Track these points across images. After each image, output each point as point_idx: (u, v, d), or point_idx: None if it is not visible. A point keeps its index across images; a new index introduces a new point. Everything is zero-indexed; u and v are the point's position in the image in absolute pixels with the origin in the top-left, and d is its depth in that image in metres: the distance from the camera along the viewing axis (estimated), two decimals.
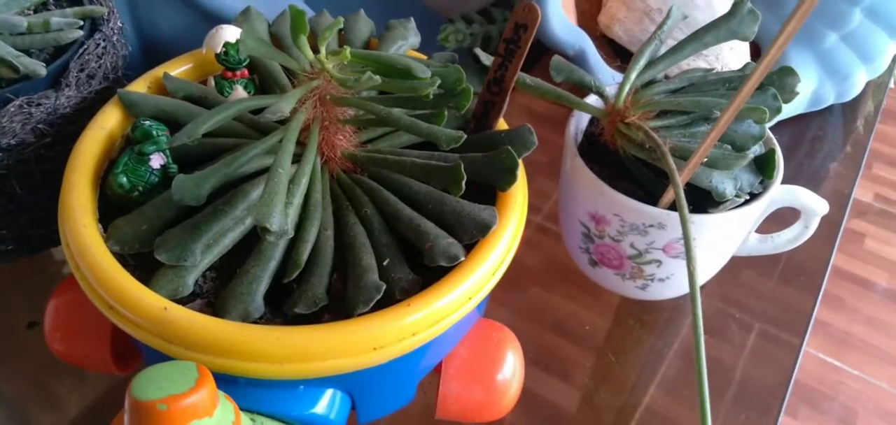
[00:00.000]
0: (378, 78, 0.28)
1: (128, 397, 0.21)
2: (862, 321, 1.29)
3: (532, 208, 0.50)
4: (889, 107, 1.74)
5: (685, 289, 0.42)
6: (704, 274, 0.41)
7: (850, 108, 0.61)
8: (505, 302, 0.44)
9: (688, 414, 0.39)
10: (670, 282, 0.40)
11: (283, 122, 0.32)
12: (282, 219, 0.27)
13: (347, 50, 0.30)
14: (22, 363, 0.41)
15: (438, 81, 0.30)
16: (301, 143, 0.32)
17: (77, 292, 0.35)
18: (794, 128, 0.59)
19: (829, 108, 0.60)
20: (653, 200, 0.36)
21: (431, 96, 0.30)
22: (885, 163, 1.62)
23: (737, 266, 0.44)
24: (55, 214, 0.31)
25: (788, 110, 0.55)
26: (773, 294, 0.47)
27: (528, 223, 0.49)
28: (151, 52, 0.46)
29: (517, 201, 0.33)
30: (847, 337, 1.26)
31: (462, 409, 0.35)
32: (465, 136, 0.30)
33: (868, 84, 0.61)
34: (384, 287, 0.29)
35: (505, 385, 0.35)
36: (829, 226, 0.51)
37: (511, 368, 0.35)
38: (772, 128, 0.57)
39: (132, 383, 0.22)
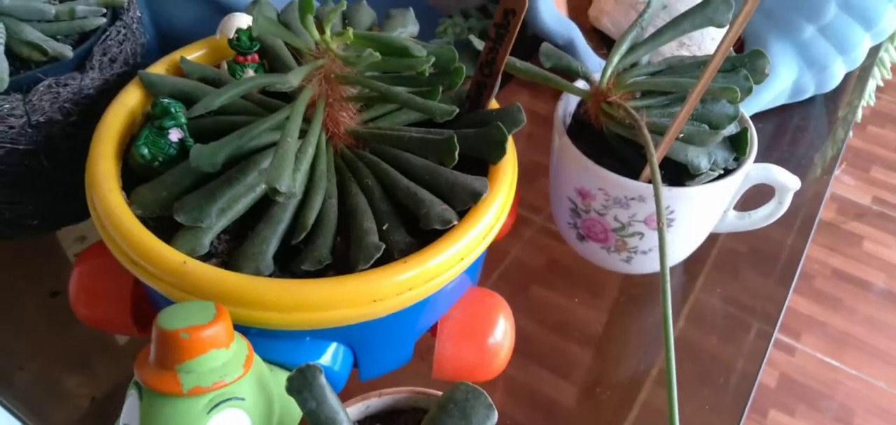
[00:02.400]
0: (378, 55, 0.31)
1: (155, 328, 0.24)
2: (860, 321, 1.30)
3: (533, 209, 0.52)
4: (885, 110, 1.76)
5: (668, 263, 0.45)
6: (685, 248, 0.44)
7: (831, 100, 0.64)
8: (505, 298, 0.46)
9: (684, 407, 0.40)
10: (653, 255, 0.43)
11: (290, 101, 0.34)
12: (290, 182, 0.30)
13: (350, 31, 0.33)
14: (46, 330, 0.43)
15: (434, 59, 0.32)
16: (307, 120, 0.35)
17: (99, 260, 0.38)
18: (778, 119, 0.61)
19: (812, 100, 0.63)
20: (635, 175, 0.39)
21: (427, 73, 0.33)
22: (882, 167, 1.63)
23: (718, 256, 0.47)
24: (78, 190, 0.34)
25: (771, 101, 0.58)
26: (755, 285, 0.48)
27: (530, 223, 0.51)
28: (167, 43, 0.49)
29: (507, 173, 0.36)
30: (845, 337, 1.28)
31: (457, 368, 0.37)
32: (458, 110, 0.33)
33: (848, 76, 0.64)
34: (383, 247, 0.32)
35: (496, 346, 0.38)
36: (808, 216, 0.53)
37: (502, 331, 0.38)
38: (757, 118, 0.60)
39: (158, 316, 0.25)
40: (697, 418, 0.40)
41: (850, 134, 0.97)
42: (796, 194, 0.42)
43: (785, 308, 0.48)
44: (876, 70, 0.89)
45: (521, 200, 0.52)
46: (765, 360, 0.44)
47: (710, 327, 0.45)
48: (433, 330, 0.37)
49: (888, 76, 0.95)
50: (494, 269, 0.48)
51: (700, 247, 0.48)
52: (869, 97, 0.95)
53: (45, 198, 0.41)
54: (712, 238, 0.50)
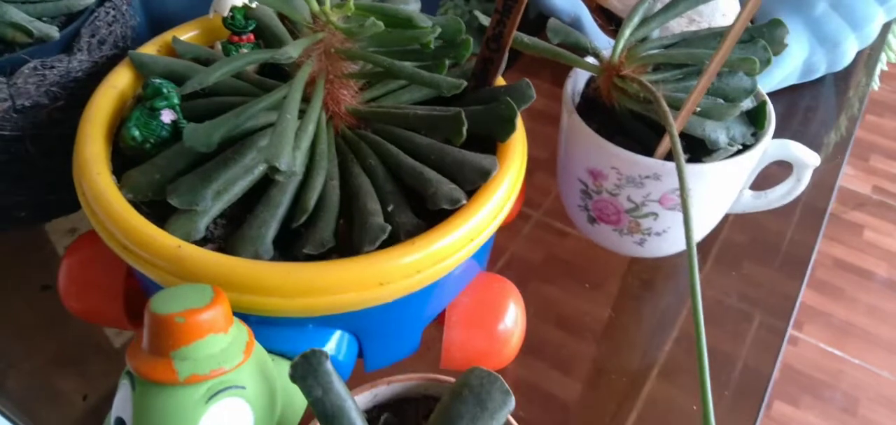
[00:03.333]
0: (381, 24, 0.29)
1: (147, 313, 0.23)
2: (862, 311, 1.30)
3: (532, 204, 0.51)
4: (884, 99, 1.76)
5: (682, 245, 0.43)
6: (701, 228, 0.43)
7: (842, 79, 0.62)
8: None
9: (686, 400, 0.39)
10: (667, 237, 0.41)
11: (289, 80, 0.33)
12: (290, 159, 0.28)
13: (351, 2, 0.31)
14: (37, 326, 0.42)
15: (439, 30, 0.31)
16: (306, 99, 0.33)
17: (89, 250, 0.36)
18: (788, 99, 0.60)
19: (822, 79, 0.61)
20: (648, 153, 0.37)
21: (432, 46, 0.31)
22: (882, 156, 1.63)
23: (726, 253, 0.45)
24: (68, 179, 0.32)
25: (782, 80, 0.57)
26: (763, 279, 0.47)
27: (528, 218, 0.50)
28: (159, 26, 0.47)
29: (517, 151, 0.34)
30: (848, 326, 1.27)
31: (465, 357, 0.36)
32: (465, 83, 0.32)
33: (859, 54, 0.62)
34: (389, 228, 0.30)
35: (507, 334, 0.36)
36: (820, 200, 0.51)
37: (513, 317, 0.36)
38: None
39: (151, 300, 0.23)
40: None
41: (861, 117, 0.95)
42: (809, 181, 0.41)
43: (798, 302, 0.46)
44: (882, 55, 0.88)
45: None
46: (780, 357, 0.43)
47: (720, 323, 0.44)
48: (441, 318, 0.36)
49: (894, 60, 0.94)
50: (493, 265, 0.47)
51: (707, 238, 0.47)
52: (875, 81, 0.94)
53: (33, 187, 0.39)
54: (717, 229, 0.49)
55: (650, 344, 0.43)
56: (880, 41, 0.67)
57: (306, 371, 0.24)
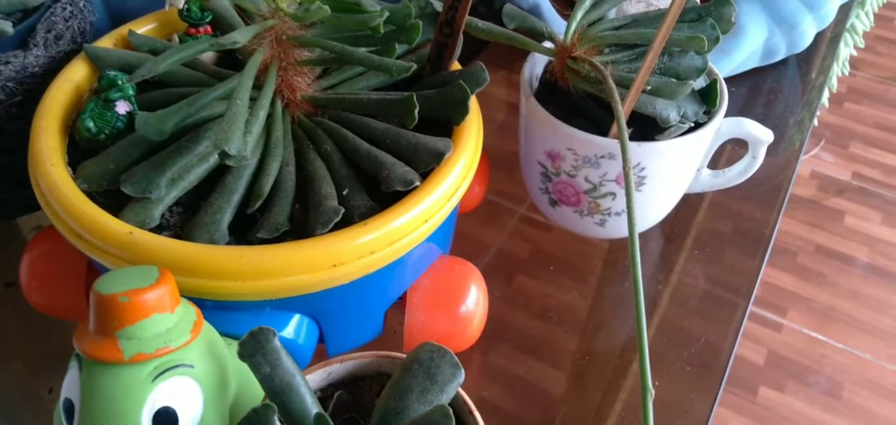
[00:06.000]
0: (327, 8, 0.30)
1: (92, 294, 0.23)
2: (844, 296, 1.31)
3: (516, 199, 0.51)
4: (862, 86, 1.78)
5: (645, 224, 0.44)
6: (660, 208, 0.43)
7: (804, 61, 0.63)
8: (491, 289, 0.43)
9: (670, 387, 0.40)
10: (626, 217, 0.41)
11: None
12: (240, 144, 0.29)
13: None
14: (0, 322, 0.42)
15: (387, 14, 0.31)
16: (260, 88, 0.34)
17: (50, 244, 0.36)
18: (751, 81, 0.61)
19: (784, 62, 0.62)
20: (604, 134, 0.38)
21: (382, 30, 0.32)
22: (861, 143, 1.64)
23: (690, 234, 0.46)
24: (28, 177, 0.33)
25: (742, 62, 0.57)
26: (726, 259, 0.47)
27: (512, 214, 0.50)
28: (118, 23, 0.47)
29: (471, 133, 0.35)
30: (831, 311, 1.28)
31: (429, 339, 0.36)
32: (415, 66, 0.32)
33: (820, 38, 0.63)
34: (343, 211, 0.30)
35: (469, 315, 0.36)
36: (780, 186, 0.52)
37: (474, 299, 0.37)
38: (730, 81, 0.59)
39: (96, 282, 0.23)
40: (673, 394, 0.39)
41: (827, 98, 0.96)
42: (770, 164, 0.41)
43: (759, 280, 0.47)
44: (848, 36, 0.89)
45: (502, 191, 0.52)
46: (741, 332, 0.43)
47: (684, 301, 0.44)
48: (403, 301, 0.36)
49: (861, 44, 0.95)
50: (479, 261, 0.47)
51: (678, 222, 0.47)
52: (843, 66, 0.95)
53: None
54: (690, 215, 0.50)
55: (632, 334, 0.43)
56: (840, 23, 0.68)
57: (254, 348, 0.24)
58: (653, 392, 0.24)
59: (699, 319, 0.44)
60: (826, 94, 1.00)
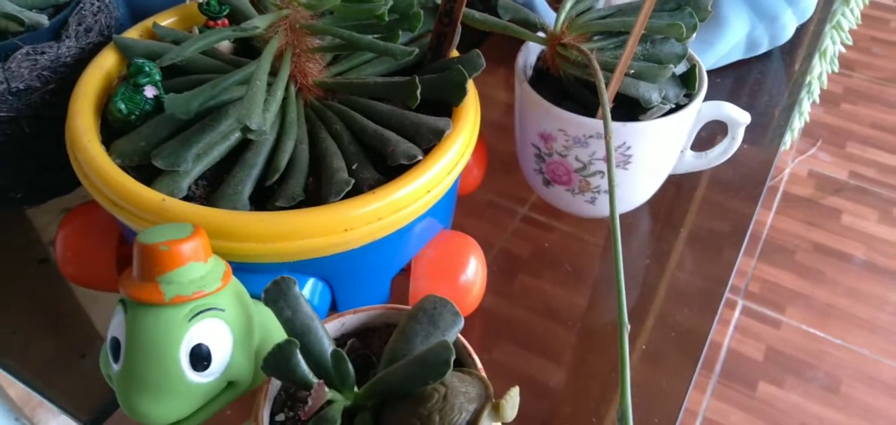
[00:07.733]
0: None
1: (136, 245, 0.26)
2: (842, 292, 1.32)
3: (517, 200, 0.53)
4: (858, 87, 1.80)
5: (630, 204, 0.47)
6: (645, 187, 0.46)
7: (787, 53, 0.66)
8: (492, 287, 0.45)
9: (669, 381, 0.41)
10: (617, 194, 0.44)
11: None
12: (260, 120, 0.32)
13: None
14: (36, 295, 0.45)
15: (391, 3, 0.34)
16: (276, 74, 0.37)
17: (83, 219, 0.39)
18: (736, 73, 0.64)
19: (768, 55, 0.65)
20: (592, 116, 0.41)
21: (386, 19, 0.35)
22: (858, 142, 1.66)
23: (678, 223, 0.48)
24: (61, 161, 0.36)
25: (726, 54, 0.61)
26: (709, 247, 0.49)
27: (514, 214, 0.53)
28: (139, 19, 0.50)
29: (469, 114, 0.38)
30: (828, 308, 1.30)
31: None
32: (417, 50, 0.35)
33: (804, 29, 0.66)
34: (353, 182, 0.34)
35: (469, 283, 0.40)
36: (763, 171, 0.54)
37: (473, 269, 0.40)
38: (715, 73, 0.62)
39: (140, 234, 0.26)
40: (652, 381, 0.41)
41: (818, 95, 0.99)
42: (753, 155, 0.44)
43: (736, 267, 0.48)
44: (835, 33, 0.92)
45: (504, 191, 0.54)
46: (717, 317, 0.45)
47: (667, 288, 0.47)
48: (408, 269, 0.39)
49: (849, 41, 0.98)
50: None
51: (664, 208, 0.49)
52: (832, 62, 0.98)
53: (29, 169, 0.42)
54: (676, 203, 0.52)
55: (632, 330, 0.44)
56: (822, 17, 0.71)
57: (277, 294, 0.27)
58: (628, 326, 0.27)
59: (677, 303, 0.45)
60: (817, 92, 1.02)
